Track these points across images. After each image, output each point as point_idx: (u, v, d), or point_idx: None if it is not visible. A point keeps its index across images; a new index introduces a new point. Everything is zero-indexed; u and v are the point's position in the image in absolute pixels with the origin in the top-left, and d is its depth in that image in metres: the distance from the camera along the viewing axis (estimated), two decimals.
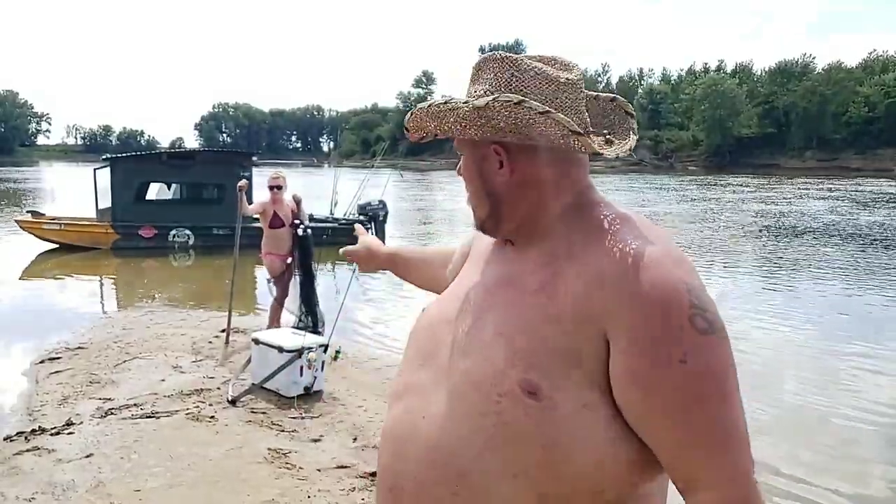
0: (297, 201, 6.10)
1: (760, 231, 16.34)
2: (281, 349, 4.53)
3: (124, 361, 5.44)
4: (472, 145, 0.98)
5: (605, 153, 0.95)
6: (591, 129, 0.97)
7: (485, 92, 0.93)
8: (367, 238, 1.50)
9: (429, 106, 0.96)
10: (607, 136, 0.99)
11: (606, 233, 0.91)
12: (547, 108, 0.88)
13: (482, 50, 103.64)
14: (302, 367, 4.49)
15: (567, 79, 0.94)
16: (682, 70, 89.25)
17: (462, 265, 1.15)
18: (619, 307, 0.84)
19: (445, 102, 0.94)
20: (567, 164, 0.95)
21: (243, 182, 6.03)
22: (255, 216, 6.16)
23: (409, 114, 1.00)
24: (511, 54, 0.95)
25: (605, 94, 1.04)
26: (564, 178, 0.96)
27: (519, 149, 0.93)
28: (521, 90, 0.91)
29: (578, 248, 0.91)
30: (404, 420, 0.97)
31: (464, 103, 0.92)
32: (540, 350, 0.87)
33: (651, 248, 0.87)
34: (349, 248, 1.49)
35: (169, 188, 13.35)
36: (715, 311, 0.85)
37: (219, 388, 4.72)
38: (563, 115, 0.88)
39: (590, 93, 1.02)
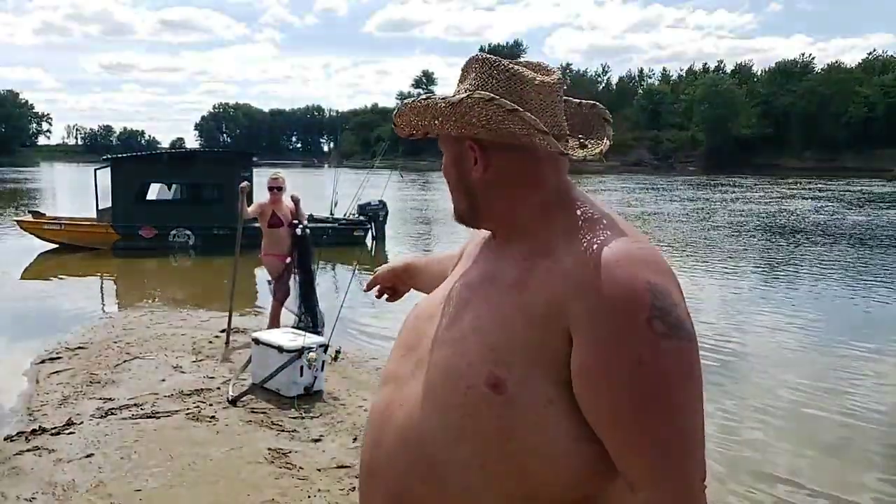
0: (296, 201, 6.11)
1: (752, 231, 16.35)
2: (281, 349, 4.54)
3: (124, 361, 5.44)
4: (451, 142, 1.00)
5: (571, 155, 0.97)
6: (566, 132, 1.00)
7: (465, 90, 0.96)
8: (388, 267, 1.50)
9: (412, 102, 0.99)
10: (581, 140, 1.02)
11: (580, 230, 0.92)
12: (515, 107, 0.90)
13: (482, 50, 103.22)
14: (302, 367, 4.50)
15: (542, 81, 0.96)
16: (681, 70, 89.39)
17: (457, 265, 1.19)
18: (581, 304, 0.84)
19: (426, 99, 0.97)
20: (542, 163, 0.96)
21: (245, 184, 6.04)
22: (255, 217, 6.17)
23: (395, 109, 1.03)
24: (493, 56, 0.97)
25: (587, 101, 1.07)
26: (539, 175, 0.97)
27: (493, 146, 0.95)
28: (497, 89, 0.93)
29: (555, 244, 0.92)
30: (383, 408, 1.01)
31: (441, 100, 0.95)
32: (509, 345, 0.88)
33: (619, 246, 0.87)
34: (377, 276, 1.47)
35: (169, 188, 13.36)
36: (680, 314, 0.84)
37: (219, 388, 4.73)
38: (530, 115, 0.90)
39: (572, 99, 1.05)
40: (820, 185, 35.31)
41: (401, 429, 0.96)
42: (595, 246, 0.88)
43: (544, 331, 0.86)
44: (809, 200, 25.81)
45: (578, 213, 0.95)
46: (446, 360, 0.93)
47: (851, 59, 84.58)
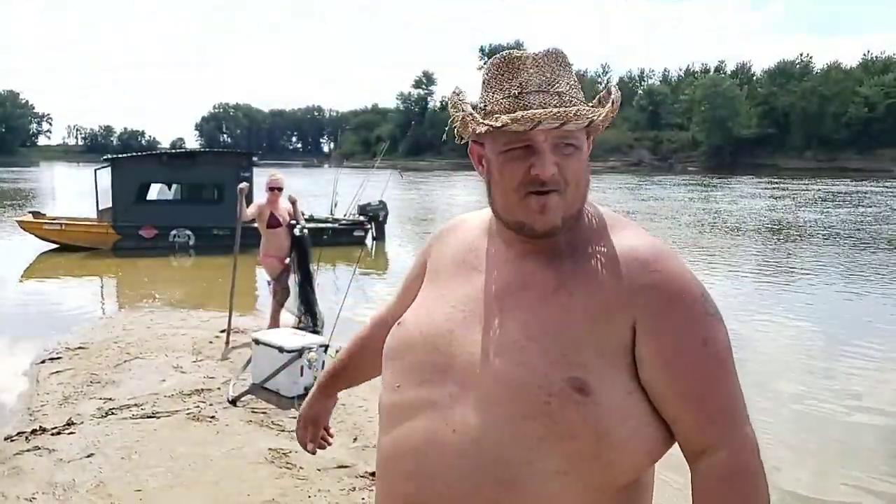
0: (293, 202, 6.11)
1: (751, 231, 16.36)
2: (281, 349, 4.54)
3: (125, 361, 5.45)
4: (582, 137, 0.98)
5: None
6: None
7: (574, 84, 0.98)
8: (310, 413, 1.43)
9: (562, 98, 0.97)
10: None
11: (607, 230, 0.99)
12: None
13: (482, 50, 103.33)
14: (302, 367, 4.50)
15: None
16: (681, 70, 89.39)
17: (423, 277, 1.14)
18: (643, 299, 0.92)
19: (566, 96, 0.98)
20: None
21: (244, 185, 6.04)
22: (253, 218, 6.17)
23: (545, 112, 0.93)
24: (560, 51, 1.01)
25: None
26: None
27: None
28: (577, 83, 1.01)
29: (582, 245, 0.97)
30: (425, 437, 0.94)
31: (580, 103, 0.98)
32: (577, 347, 0.91)
33: (650, 242, 0.98)
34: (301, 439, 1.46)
35: (169, 189, 13.37)
36: (712, 298, 0.97)
37: (219, 389, 4.73)
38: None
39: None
40: (818, 186, 35.37)
41: (460, 452, 0.91)
42: (635, 243, 0.97)
43: (609, 328, 0.92)
44: (811, 201, 25.82)
45: (590, 213, 1.02)
46: (507, 374, 0.92)
47: (852, 59, 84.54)
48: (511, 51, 1.00)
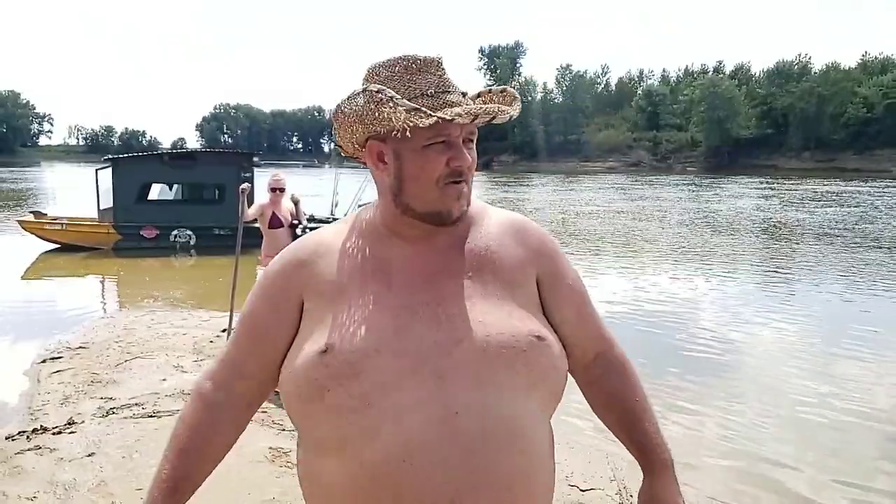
0: (296, 202, 6.12)
1: (750, 231, 16.36)
2: None
3: (126, 361, 5.46)
4: (476, 132, 1.07)
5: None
6: None
7: (460, 88, 1.08)
8: None
9: (503, 91, 1.11)
10: None
11: (481, 211, 1.15)
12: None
13: (482, 51, 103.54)
14: None
15: None
16: (680, 71, 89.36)
17: (291, 316, 1.08)
18: (537, 256, 1.13)
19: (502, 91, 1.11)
20: None
21: (245, 185, 6.05)
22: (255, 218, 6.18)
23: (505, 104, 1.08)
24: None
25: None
26: None
27: None
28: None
29: (473, 226, 1.12)
30: (430, 431, 0.95)
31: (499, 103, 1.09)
32: (522, 306, 1.07)
33: (516, 214, 1.20)
34: None
35: (170, 189, 13.38)
36: None
37: None
38: None
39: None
40: (807, 186, 35.39)
41: (477, 427, 0.96)
42: (504, 217, 1.16)
43: (528, 285, 1.11)
44: (811, 201, 25.84)
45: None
46: (488, 342, 1.00)
47: (850, 59, 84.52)
48: (414, 54, 1.05)
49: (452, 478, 0.95)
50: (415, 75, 1.02)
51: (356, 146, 1.09)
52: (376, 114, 0.99)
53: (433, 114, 0.97)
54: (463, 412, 0.96)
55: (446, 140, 1.01)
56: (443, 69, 1.05)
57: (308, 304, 1.07)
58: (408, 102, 0.98)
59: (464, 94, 1.07)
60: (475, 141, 1.07)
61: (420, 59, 1.04)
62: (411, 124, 0.97)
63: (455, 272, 1.06)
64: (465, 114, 0.98)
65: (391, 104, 0.98)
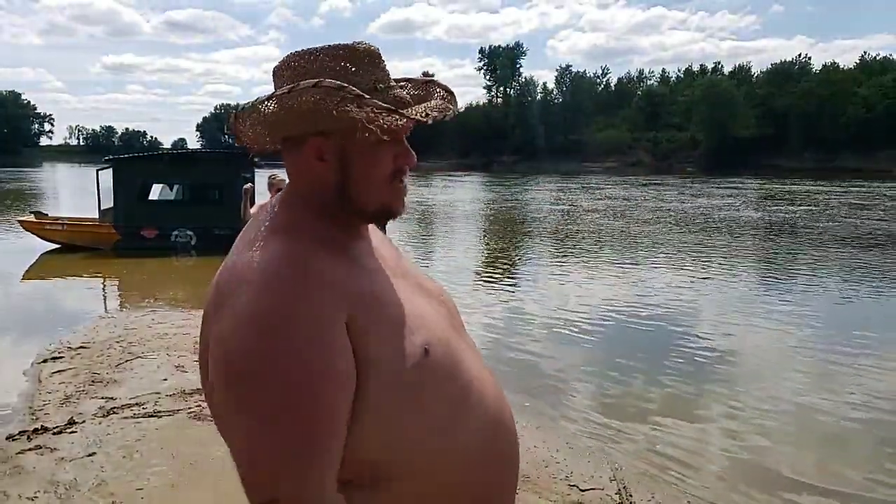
0: None
1: (750, 231, 16.37)
2: None
3: (126, 361, 5.46)
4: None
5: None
6: None
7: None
8: None
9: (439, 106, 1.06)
10: None
11: None
12: None
13: (482, 51, 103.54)
14: None
15: None
16: (679, 71, 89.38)
17: (353, 363, 0.88)
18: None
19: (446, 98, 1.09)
20: None
21: (248, 185, 6.08)
22: None
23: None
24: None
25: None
26: None
27: None
28: None
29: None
30: (495, 390, 1.07)
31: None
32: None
33: None
34: None
35: (171, 189, 13.38)
36: None
37: None
38: None
39: None
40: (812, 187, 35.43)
41: (505, 402, 1.09)
42: None
43: None
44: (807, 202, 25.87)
45: None
46: (458, 315, 1.15)
47: (852, 60, 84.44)
48: (353, 44, 0.98)
49: (510, 428, 1.08)
50: (370, 67, 0.97)
51: (273, 141, 1.00)
52: (335, 111, 0.90)
53: (407, 115, 0.93)
54: (487, 371, 1.10)
55: (399, 138, 0.99)
56: (383, 60, 1.00)
57: (355, 323, 0.90)
58: (378, 102, 0.92)
59: (408, 81, 1.04)
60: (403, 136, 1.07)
61: (362, 50, 0.97)
62: (388, 125, 0.91)
63: (393, 253, 1.14)
64: (436, 113, 0.97)
65: (356, 102, 0.90)
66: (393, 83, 0.99)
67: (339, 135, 0.95)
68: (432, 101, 0.99)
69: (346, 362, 0.86)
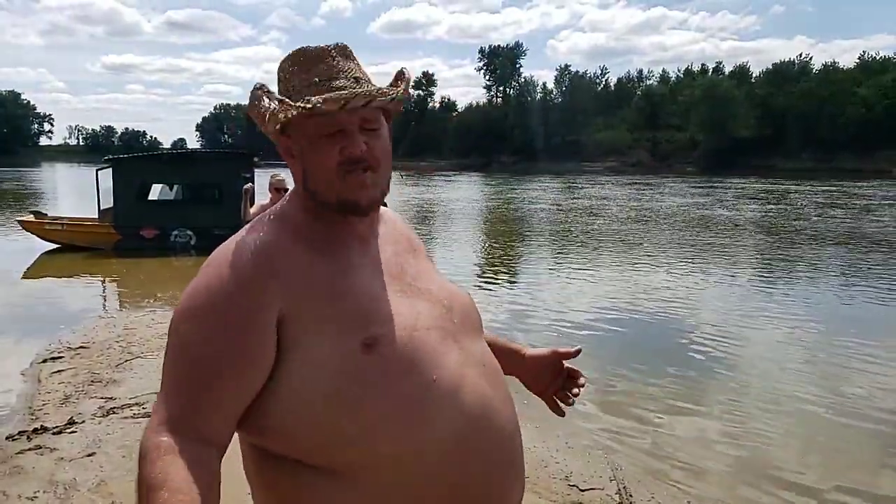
0: None
1: (749, 231, 16.36)
2: None
3: (126, 361, 5.46)
4: (378, 119, 1.05)
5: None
6: None
7: (362, 73, 1.06)
8: None
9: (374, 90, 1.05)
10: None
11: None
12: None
13: (482, 51, 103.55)
14: None
15: None
16: (679, 71, 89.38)
17: (267, 331, 0.95)
18: (413, 235, 1.22)
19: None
20: None
21: (248, 185, 6.08)
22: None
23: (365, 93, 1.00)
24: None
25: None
26: None
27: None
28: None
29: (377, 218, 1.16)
30: (482, 383, 1.06)
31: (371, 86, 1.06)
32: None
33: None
34: None
35: (171, 189, 13.38)
36: None
37: None
38: None
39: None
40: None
41: (495, 366, 1.13)
42: (384, 210, 1.18)
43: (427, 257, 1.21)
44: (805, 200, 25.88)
45: None
46: (472, 318, 1.14)
47: (851, 60, 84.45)
48: (305, 46, 1.05)
49: (509, 417, 1.09)
50: (305, 65, 1.03)
51: (275, 138, 1.08)
52: (260, 110, 1.00)
53: (294, 104, 0.97)
54: (487, 363, 1.11)
55: (340, 129, 1.00)
56: (337, 58, 1.03)
57: (294, 313, 0.96)
58: (279, 96, 1.00)
59: (357, 80, 1.03)
60: (382, 127, 1.05)
61: (307, 51, 1.04)
62: (283, 117, 0.97)
63: (399, 252, 1.12)
64: (333, 99, 0.96)
65: (265, 99, 1.00)
66: (343, 76, 1.02)
67: (297, 133, 1.02)
68: (334, 93, 0.98)
69: (257, 343, 0.94)
